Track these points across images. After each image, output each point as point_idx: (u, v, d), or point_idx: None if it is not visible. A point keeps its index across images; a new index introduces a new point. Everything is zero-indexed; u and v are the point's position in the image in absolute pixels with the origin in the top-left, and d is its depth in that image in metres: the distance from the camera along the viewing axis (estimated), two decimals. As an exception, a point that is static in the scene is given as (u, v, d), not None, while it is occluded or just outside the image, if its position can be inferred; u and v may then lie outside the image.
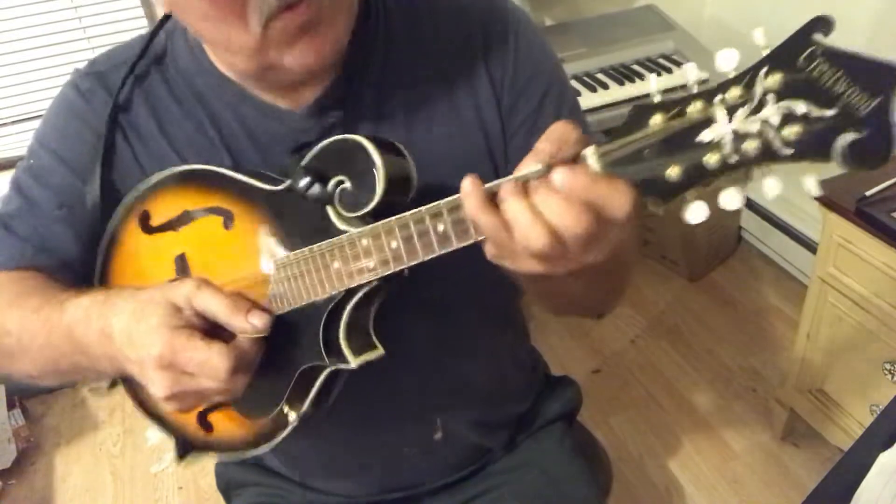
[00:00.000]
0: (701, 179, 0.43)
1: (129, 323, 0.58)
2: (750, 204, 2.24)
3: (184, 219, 0.67)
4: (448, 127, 0.72)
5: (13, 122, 1.84)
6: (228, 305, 0.57)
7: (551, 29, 2.07)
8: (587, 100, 1.68)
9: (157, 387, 0.57)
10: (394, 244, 0.54)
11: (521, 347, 0.96)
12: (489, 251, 0.52)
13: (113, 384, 0.78)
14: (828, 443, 1.62)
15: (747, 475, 1.67)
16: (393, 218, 0.54)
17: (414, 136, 0.71)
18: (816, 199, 1.33)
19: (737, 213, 2.27)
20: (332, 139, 0.60)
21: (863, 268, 1.31)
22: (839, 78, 0.38)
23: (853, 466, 0.72)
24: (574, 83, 1.76)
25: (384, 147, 0.58)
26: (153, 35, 0.73)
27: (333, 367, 0.61)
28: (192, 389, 0.57)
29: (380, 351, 0.62)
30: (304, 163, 0.60)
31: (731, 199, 0.43)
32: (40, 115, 1.98)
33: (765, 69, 0.40)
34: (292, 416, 0.64)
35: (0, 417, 1.90)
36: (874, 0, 1.65)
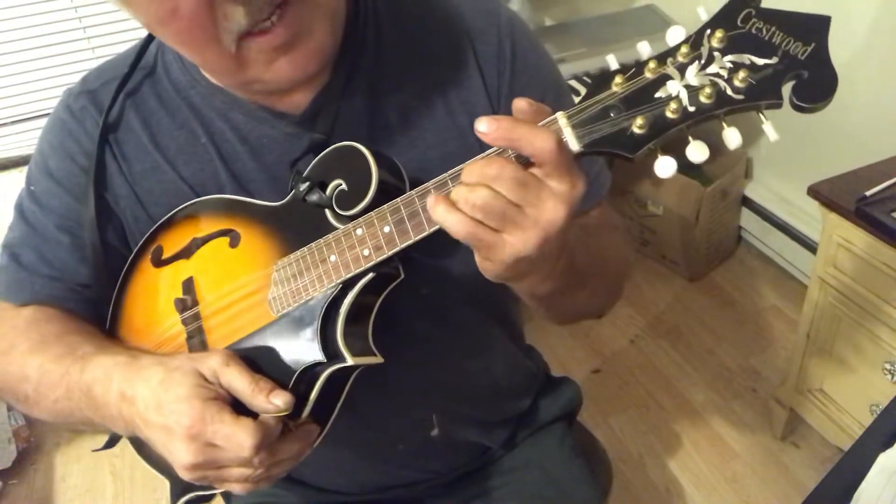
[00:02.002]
0: (665, 130, 0.46)
1: (158, 391, 0.58)
2: (750, 204, 2.24)
3: (193, 246, 0.69)
4: (443, 133, 0.72)
5: (13, 122, 1.84)
6: (251, 385, 0.58)
7: (551, 29, 2.07)
8: (587, 100, 1.68)
9: (182, 455, 0.57)
10: (386, 229, 0.56)
11: (518, 346, 0.96)
12: (479, 262, 0.53)
13: (111, 443, 0.77)
14: (828, 443, 1.62)
15: (747, 475, 1.67)
16: (385, 205, 0.57)
17: (407, 140, 0.71)
18: (816, 199, 1.33)
19: (737, 212, 2.27)
20: (329, 149, 0.62)
21: (863, 268, 1.31)
22: (775, 32, 0.43)
23: (853, 466, 0.72)
24: (574, 83, 1.76)
25: (380, 157, 0.61)
26: (142, 50, 0.73)
27: (332, 367, 0.61)
28: (215, 462, 0.57)
29: (378, 359, 0.63)
30: (305, 173, 0.63)
31: (695, 151, 0.47)
32: (40, 115, 1.98)
33: (708, 31, 0.45)
34: (289, 426, 0.63)
35: (0, 417, 1.90)
36: (873, 0, 1.65)
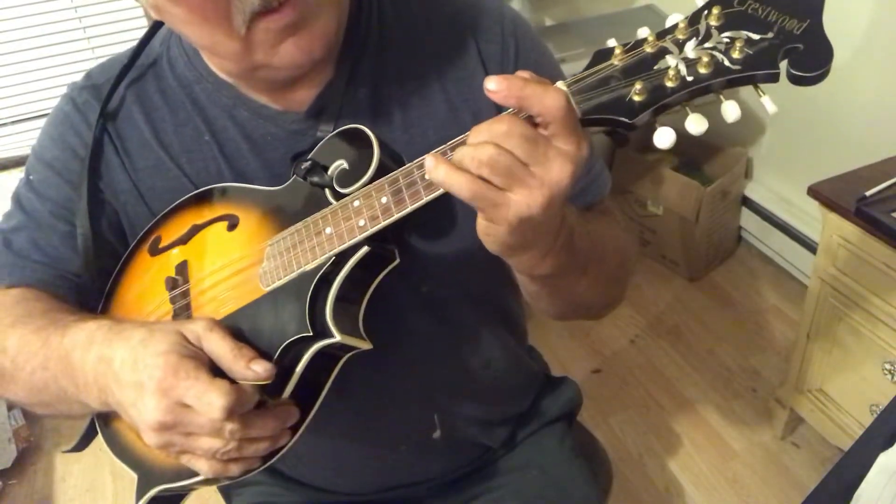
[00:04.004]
0: (663, 97, 0.47)
1: (136, 349, 0.56)
2: (750, 204, 2.24)
3: (192, 232, 0.69)
4: (446, 130, 0.72)
5: (13, 122, 1.84)
6: (233, 351, 0.56)
7: (551, 29, 2.07)
8: (587, 100, 1.68)
9: (150, 412, 0.54)
10: (383, 199, 0.56)
11: (519, 345, 0.96)
12: (481, 228, 0.52)
13: (82, 443, 0.74)
14: (828, 443, 1.62)
15: (747, 475, 1.67)
16: (383, 178, 0.57)
17: (410, 137, 0.71)
18: (816, 199, 1.33)
19: (737, 212, 2.27)
20: (333, 132, 0.62)
21: (863, 268, 1.31)
22: (770, 11, 0.45)
23: (853, 466, 0.72)
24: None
25: (379, 139, 0.61)
26: (144, 43, 0.73)
27: (318, 344, 0.59)
28: (184, 424, 0.55)
29: (367, 344, 0.62)
30: (308, 157, 0.63)
31: (694, 123, 0.48)
32: (40, 115, 1.97)
33: (705, 12, 0.47)
34: (269, 403, 0.60)
35: (0, 417, 1.90)
36: (873, 0, 1.65)
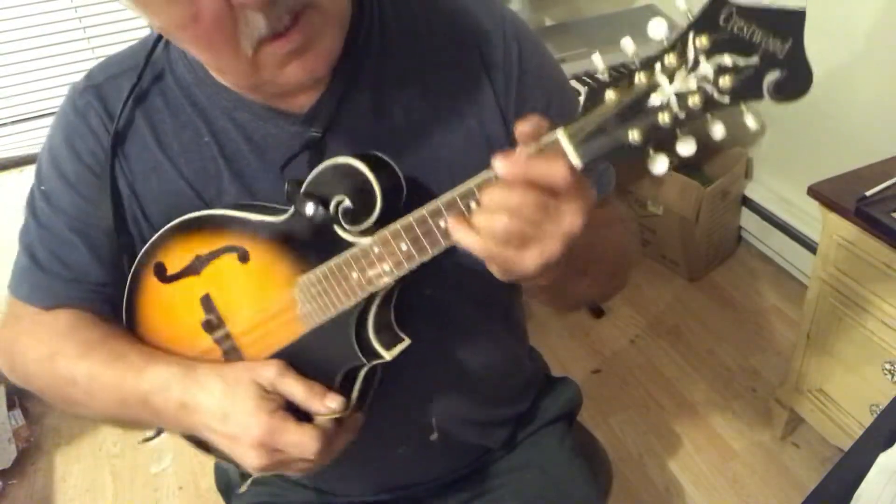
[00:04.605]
0: (658, 136, 0.49)
1: (223, 403, 0.64)
2: (750, 204, 2.24)
3: (198, 263, 0.70)
4: (449, 132, 0.72)
5: (13, 122, 1.84)
6: (307, 392, 0.64)
7: (551, 29, 2.07)
8: (587, 100, 1.68)
9: (252, 462, 0.63)
10: (403, 246, 0.59)
11: (519, 347, 0.96)
12: (492, 268, 0.56)
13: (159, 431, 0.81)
14: (828, 443, 1.62)
15: (747, 475, 1.67)
16: (397, 222, 0.58)
17: (413, 139, 0.71)
18: (816, 199, 1.33)
19: (737, 212, 2.27)
20: (323, 164, 0.63)
21: (863, 268, 1.31)
22: (755, 31, 0.46)
23: (853, 466, 0.72)
24: (574, 83, 1.76)
25: (369, 160, 0.62)
26: (152, 51, 0.73)
27: (370, 364, 0.67)
28: (281, 463, 0.64)
29: (406, 341, 0.68)
30: (303, 189, 0.64)
31: (685, 146, 0.49)
32: (40, 115, 1.97)
33: (692, 34, 0.47)
34: (342, 416, 0.70)
35: (0, 417, 1.90)
36: (873, 0, 1.65)
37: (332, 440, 0.65)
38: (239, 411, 0.62)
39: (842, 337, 1.43)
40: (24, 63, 1.78)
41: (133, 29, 1.83)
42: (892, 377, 1.33)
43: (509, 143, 0.74)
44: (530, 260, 0.53)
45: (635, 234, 1.79)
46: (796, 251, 2.11)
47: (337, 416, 0.64)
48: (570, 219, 0.52)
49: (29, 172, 1.84)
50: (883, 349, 1.34)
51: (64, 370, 0.72)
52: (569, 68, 1.80)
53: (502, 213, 0.51)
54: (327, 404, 0.63)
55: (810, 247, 2.02)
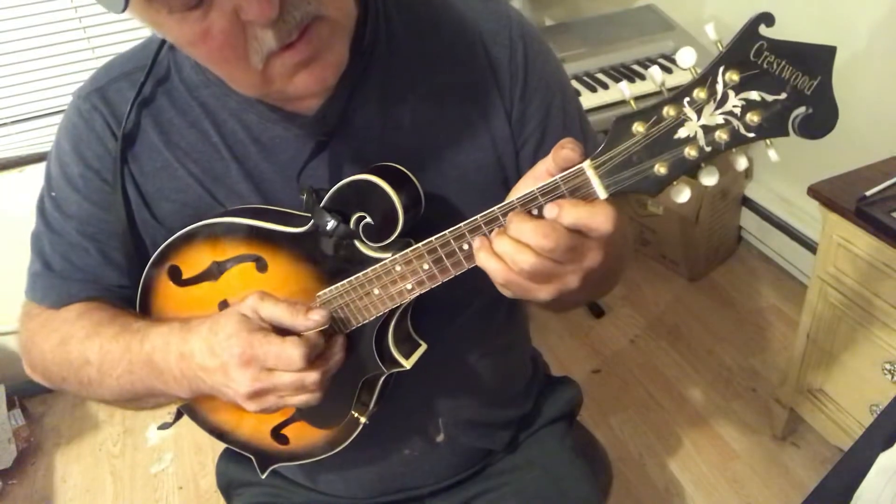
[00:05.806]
0: (684, 170, 0.50)
1: (208, 337, 0.63)
2: (750, 204, 2.25)
3: (215, 270, 0.70)
4: (456, 134, 0.72)
5: (13, 122, 1.84)
6: (288, 309, 0.62)
7: (551, 29, 2.07)
8: (587, 100, 1.68)
9: (241, 384, 0.61)
10: (426, 266, 0.60)
11: (522, 348, 0.96)
12: (503, 290, 0.58)
13: (177, 417, 0.83)
14: (828, 443, 1.62)
15: (747, 475, 1.67)
16: (421, 244, 0.60)
17: (420, 141, 0.71)
18: (816, 199, 1.33)
19: (737, 212, 2.27)
20: (345, 181, 0.64)
21: (863, 268, 1.31)
22: (785, 66, 0.46)
23: (853, 466, 0.72)
24: (574, 83, 1.76)
25: (390, 175, 0.63)
26: (157, 54, 0.73)
27: (390, 372, 0.68)
28: (273, 384, 0.62)
29: (423, 346, 0.70)
30: (323, 204, 0.65)
31: (708, 176, 0.50)
32: (40, 115, 1.97)
33: (722, 68, 0.46)
34: (362, 419, 0.72)
35: (0, 417, 1.90)
36: (873, 0, 1.65)
37: (321, 360, 0.63)
38: (222, 337, 0.62)
39: (842, 337, 1.43)
40: (24, 63, 1.78)
41: (133, 29, 1.83)
42: (892, 377, 1.33)
43: (513, 141, 0.74)
44: (546, 292, 0.55)
45: (630, 233, 1.79)
46: (796, 251, 2.11)
47: (322, 328, 0.63)
48: (593, 255, 0.54)
49: (29, 172, 1.84)
50: (883, 349, 1.34)
51: (76, 352, 0.72)
52: (569, 68, 1.80)
53: (530, 251, 0.52)
54: (310, 316, 0.62)
55: (810, 247, 2.02)
